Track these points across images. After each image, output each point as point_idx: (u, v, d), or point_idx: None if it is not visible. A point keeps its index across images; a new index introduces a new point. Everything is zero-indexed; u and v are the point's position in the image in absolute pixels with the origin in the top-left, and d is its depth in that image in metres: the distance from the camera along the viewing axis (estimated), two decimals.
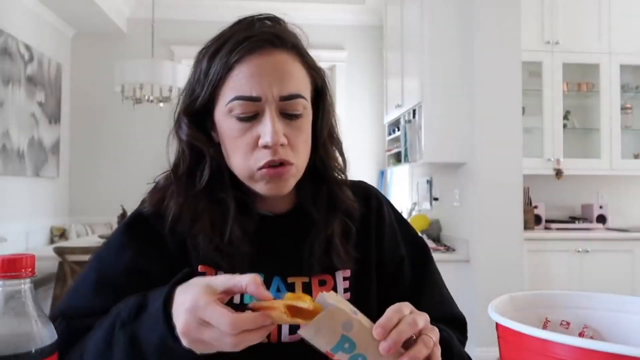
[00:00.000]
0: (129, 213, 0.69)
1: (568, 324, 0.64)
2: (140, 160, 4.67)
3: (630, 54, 3.62)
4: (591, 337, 0.63)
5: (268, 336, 0.70)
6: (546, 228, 3.61)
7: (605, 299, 0.65)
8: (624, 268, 3.32)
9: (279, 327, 0.71)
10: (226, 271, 0.74)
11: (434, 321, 0.66)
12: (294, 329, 0.71)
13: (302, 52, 0.73)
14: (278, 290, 0.73)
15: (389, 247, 0.82)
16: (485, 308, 0.57)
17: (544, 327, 0.64)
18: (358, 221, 0.79)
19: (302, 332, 0.52)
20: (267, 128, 0.67)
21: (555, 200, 3.81)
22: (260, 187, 0.71)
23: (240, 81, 0.68)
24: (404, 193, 4.42)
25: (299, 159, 0.71)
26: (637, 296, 0.63)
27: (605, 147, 3.60)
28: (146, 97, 3.69)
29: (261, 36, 0.69)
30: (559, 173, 3.53)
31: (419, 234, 0.89)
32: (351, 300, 0.71)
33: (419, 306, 0.72)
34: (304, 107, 0.70)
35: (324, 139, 0.77)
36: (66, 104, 4.60)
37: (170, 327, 0.53)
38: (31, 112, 3.99)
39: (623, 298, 0.64)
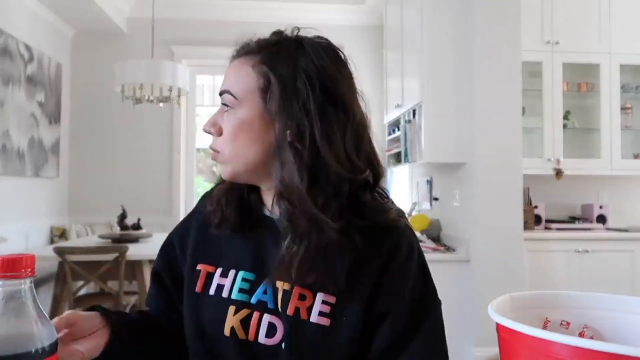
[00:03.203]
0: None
1: (568, 324, 0.64)
2: (140, 160, 4.68)
3: (630, 54, 3.62)
4: (591, 337, 0.63)
5: (246, 332, 0.73)
6: (546, 228, 3.61)
7: (605, 299, 0.65)
8: (624, 268, 3.33)
9: (258, 325, 0.73)
10: (225, 267, 0.79)
11: None
12: (270, 333, 0.73)
13: (262, 54, 0.76)
14: (264, 292, 0.75)
15: (385, 294, 0.74)
16: (485, 308, 0.57)
17: (544, 327, 0.64)
18: (363, 250, 0.73)
19: None
20: None
21: (555, 200, 3.81)
22: None
23: None
24: (404, 193, 4.42)
25: (229, 149, 0.77)
26: (637, 296, 0.63)
27: (605, 147, 3.60)
28: (146, 97, 3.69)
29: (237, 47, 0.80)
30: (559, 173, 3.54)
31: (431, 295, 0.77)
32: (330, 328, 0.71)
33: None
34: (231, 102, 0.77)
35: (305, 144, 0.70)
36: (66, 104, 4.60)
37: None
38: (31, 112, 4.00)
39: (623, 298, 0.64)
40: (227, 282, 0.77)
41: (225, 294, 0.76)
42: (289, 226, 0.73)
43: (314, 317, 0.71)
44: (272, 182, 0.75)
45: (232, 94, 0.76)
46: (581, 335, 0.63)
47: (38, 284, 3.17)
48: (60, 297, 3.01)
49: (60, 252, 2.87)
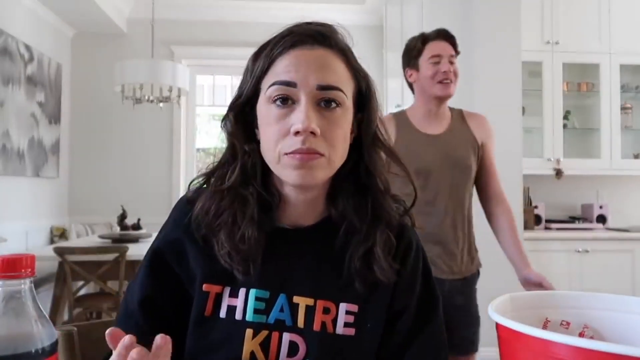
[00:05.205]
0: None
1: (568, 324, 0.64)
2: (140, 160, 4.67)
3: (630, 54, 3.62)
4: (591, 337, 0.63)
5: (266, 354, 0.69)
6: (546, 228, 3.61)
7: (605, 299, 0.65)
8: (624, 268, 3.32)
9: (279, 346, 0.70)
10: (234, 285, 0.72)
11: None
12: (292, 351, 0.70)
13: (346, 53, 0.73)
14: (281, 310, 0.71)
15: (400, 292, 0.76)
16: (485, 308, 0.57)
17: (544, 327, 0.64)
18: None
19: None
20: (300, 114, 0.66)
21: (555, 200, 3.81)
22: (287, 174, 0.69)
23: (279, 69, 0.69)
24: None
25: (333, 152, 0.69)
26: (637, 296, 0.63)
27: (605, 147, 3.60)
28: (146, 97, 3.69)
29: (304, 32, 0.71)
30: (559, 173, 3.53)
31: (436, 290, 0.80)
32: (355, 337, 0.71)
33: None
34: (342, 101, 0.70)
35: (369, 145, 0.75)
36: (66, 104, 4.60)
37: None
38: (31, 112, 3.99)
39: (623, 298, 0.64)
40: (238, 302, 0.71)
41: (238, 316, 0.70)
42: (372, 218, 0.74)
43: (339, 329, 0.71)
44: (317, 187, 0.73)
45: (345, 93, 0.70)
46: (581, 335, 0.63)
47: (38, 284, 3.17)
48: (60, 297, 3.01)
49: (60, 252, 2.87)
